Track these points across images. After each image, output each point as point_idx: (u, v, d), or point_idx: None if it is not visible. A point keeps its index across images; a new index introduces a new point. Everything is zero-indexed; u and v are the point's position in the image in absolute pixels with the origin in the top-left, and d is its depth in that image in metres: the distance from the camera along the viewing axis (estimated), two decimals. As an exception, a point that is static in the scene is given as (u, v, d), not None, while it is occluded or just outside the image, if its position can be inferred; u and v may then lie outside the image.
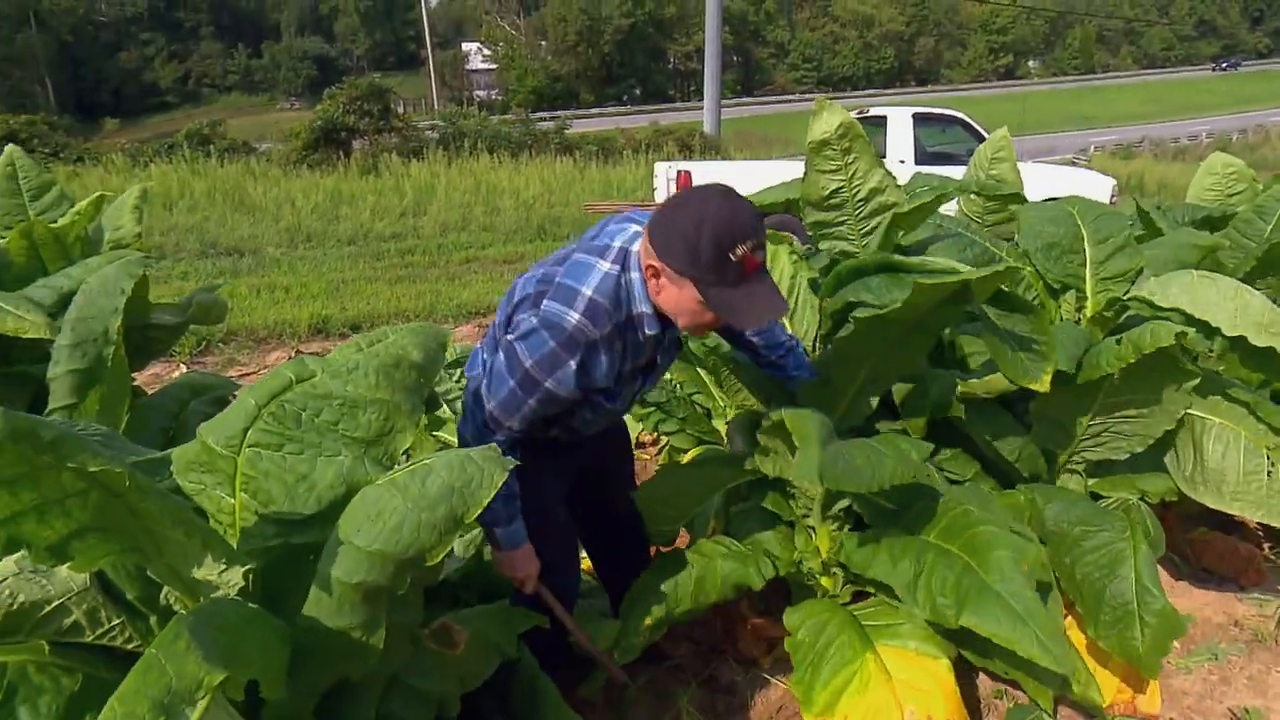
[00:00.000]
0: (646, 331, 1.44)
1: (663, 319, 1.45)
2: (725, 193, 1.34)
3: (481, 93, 54.42)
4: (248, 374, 5.25)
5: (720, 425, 2.98)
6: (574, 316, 1.36)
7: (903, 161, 7.97)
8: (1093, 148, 28.29)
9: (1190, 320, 1.87)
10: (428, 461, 1.10)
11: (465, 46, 60.27)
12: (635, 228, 1.44)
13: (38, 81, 51.48)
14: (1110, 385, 1.94)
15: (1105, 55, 70.20)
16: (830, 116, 2.88)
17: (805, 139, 3.00)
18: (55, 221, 3.14)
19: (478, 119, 18.04)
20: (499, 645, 1.62)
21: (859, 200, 3.00)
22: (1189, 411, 2.07)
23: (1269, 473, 1.98)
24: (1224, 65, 65.74)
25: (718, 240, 1.29)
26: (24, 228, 2.84)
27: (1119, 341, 1.74)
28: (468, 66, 58.42)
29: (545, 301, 1.38)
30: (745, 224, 1.32)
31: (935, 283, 1.50)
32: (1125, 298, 2.00)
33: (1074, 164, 23.60)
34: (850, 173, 2.95)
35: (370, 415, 1.26)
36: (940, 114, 8.38)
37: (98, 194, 3.11)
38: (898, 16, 62.73)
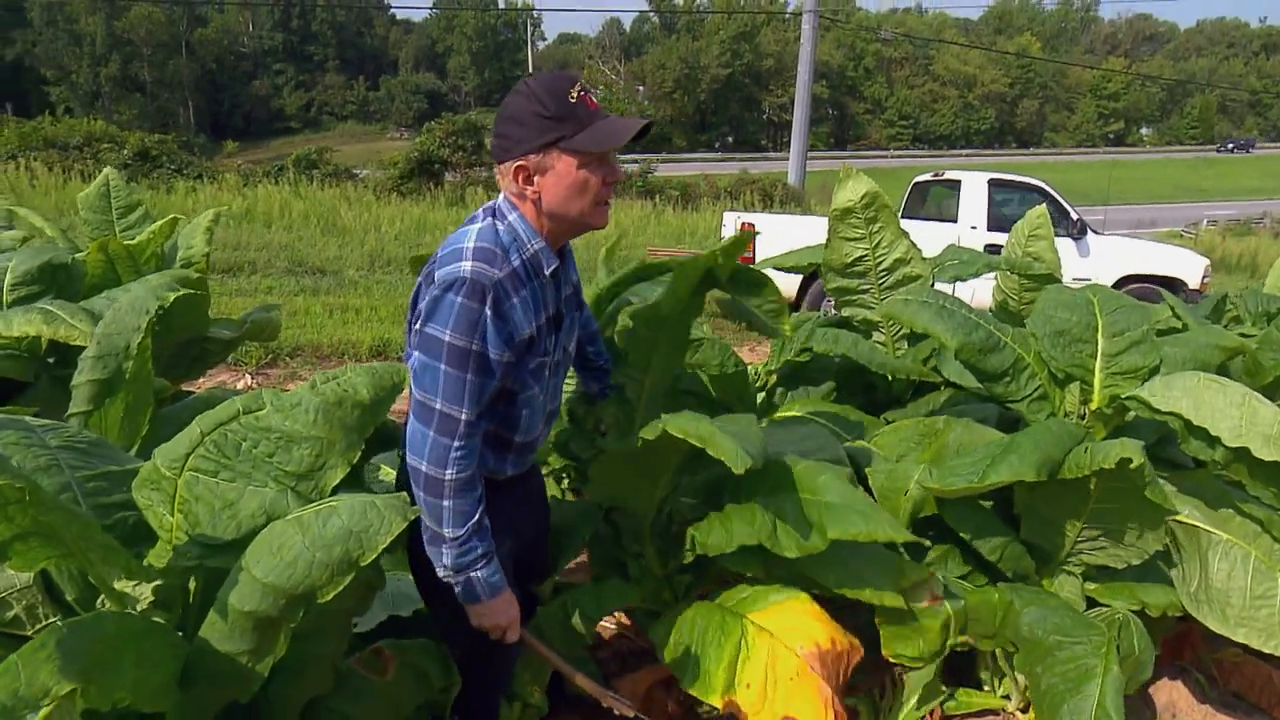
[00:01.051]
0: (546, 270, 1.44)
1: (560, 253, 1.48)
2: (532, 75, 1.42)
3: (578, 133, 56.30)
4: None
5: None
6: (467, 264, 1.32)
7: (974, 227, 7.77)
8: (1205, 221, 26.73)
9: (1190, 426, 1.75)
10: (334, 503, 1.16)
11: (567, 88, 62.69)
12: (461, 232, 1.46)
13: (181, 104, 56.67)
14: (1096, 492, 1.83)
15: (1228, 125, 66.59)
16: (856, 185, 2.88)
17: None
18: (133, 239, 3.44)
19: (564, 159, 18.63)
20: (430, 676, 1.65)
21: (882, 270, 2.97)
22: (1196, 524, 1.93)
23: (1282, 599, 1.81)
24: (1230, 146, 57.91)
25: (552, 93, 1.32)
26: (101, 242, 3.13)
27: (1086, 450, 1.65)
28: (567, 107, 60.61)
29: (436, 273, 1.35)
30: (564, 74, 1.37)
31: (692, 263, 1.74)
32: (1124, 397, 1.89)
33: (1181, 237, 22.39)
34: (875, 242, 2.93)
35: (304, 451, 1.34)
36: (1019, 181, 8.14)
37: (172, 216, 3.40)
38: (1001, 78, 61.54)
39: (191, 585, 1.38)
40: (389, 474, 3.68)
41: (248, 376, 5.72)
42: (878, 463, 2.20)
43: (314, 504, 1.18)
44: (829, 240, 2.95)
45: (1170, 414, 1.77)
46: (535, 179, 1.37)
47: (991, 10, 74.02)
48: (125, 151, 14.32)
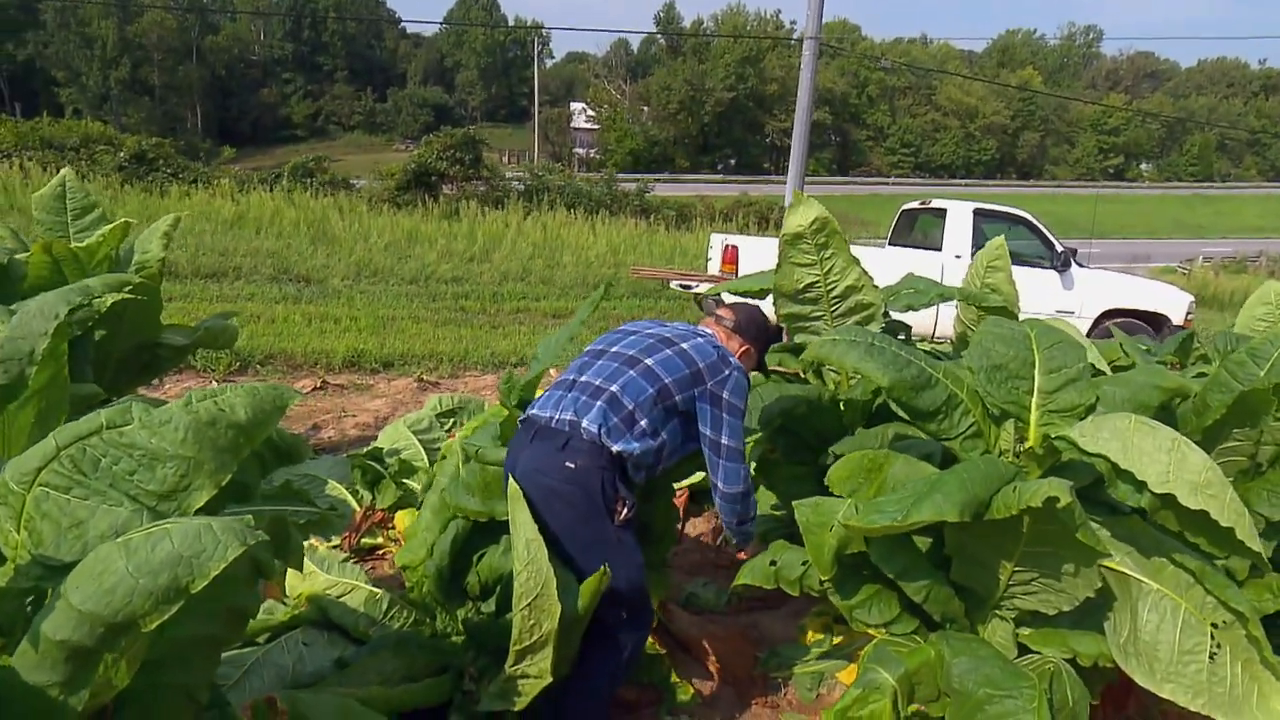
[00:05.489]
0: None
1: None
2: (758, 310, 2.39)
3: (581, 150, 56.65)
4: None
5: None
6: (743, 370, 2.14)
7: (959, 256, 7.74)
8: (1201, 258, 26.81)
9: (1117, 470, 1.69)
10: (167, 525, 1.09)
11: (573, 106, 63.15)
12: (707, 333, 2.21)
13: (189, 109, 57.01)
14: (1028, 533, 1.77)
15: (1226, 164, 66.99)
16: (806, 210, 2.84)
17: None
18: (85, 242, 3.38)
19: (562, 174, 18.71)
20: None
21: (834, 296, 2.92)
22: (1127, 572, 1.86)
23: (1211, 655, 1.74)
24: None
25: (770, 339, 2.40)
26: (45, 243, 3.07)
27: (1014, 489, 1.59)
28: (572, 124, 61.08)
29: (729, 360, 2.09)
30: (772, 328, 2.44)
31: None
32: (1054, 437, 1.82)
33: (1176, 272, 22.37)
34: (826, 268, 2.88)
35: (168, 470, 1.27)
36: (1005, 212, 8.12)
37: (123, 220, 3.34)
38: (1003, 110, 61.93)
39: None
40: (337, 489, 3.59)
41: (214, 384, 5.65)
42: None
43: (145, 526, 1.11)
44: (779, 265, 2.90)
45: (1098, 455, 1.71)
46: (745, 358, 2.25)
47: (995, 43, 74.73)
48: (121, 154, 14.33)
